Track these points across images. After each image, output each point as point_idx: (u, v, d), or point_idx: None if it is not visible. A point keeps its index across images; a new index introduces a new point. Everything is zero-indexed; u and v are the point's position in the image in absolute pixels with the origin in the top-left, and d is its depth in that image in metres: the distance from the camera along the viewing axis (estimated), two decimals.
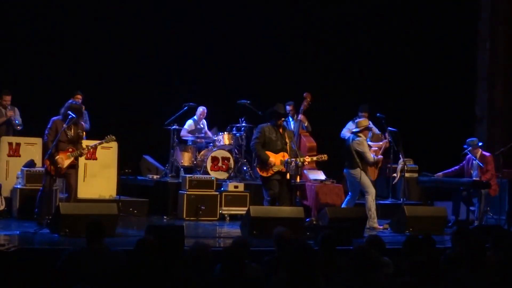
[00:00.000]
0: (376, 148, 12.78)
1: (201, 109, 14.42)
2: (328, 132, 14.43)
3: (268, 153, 11.33)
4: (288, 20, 16.17)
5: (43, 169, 10.96)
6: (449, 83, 16.66)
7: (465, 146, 13.06)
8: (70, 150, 10.58)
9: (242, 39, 15.67)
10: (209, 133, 14.46)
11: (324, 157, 11.98)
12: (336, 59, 16.40)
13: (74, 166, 10.70)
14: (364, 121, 12.40)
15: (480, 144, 13.14)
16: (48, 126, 10.66)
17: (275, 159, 11.34)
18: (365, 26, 16.55)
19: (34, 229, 10.06)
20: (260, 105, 13.67)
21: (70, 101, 10.94)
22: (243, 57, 15.70)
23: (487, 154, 13.15)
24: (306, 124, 13.81)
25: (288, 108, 13.77)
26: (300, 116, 13.66)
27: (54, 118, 10.72)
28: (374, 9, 16.56)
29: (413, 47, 16.62)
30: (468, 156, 13.03)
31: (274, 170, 11.31)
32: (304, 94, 13.69)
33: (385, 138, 13.18)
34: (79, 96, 12.78)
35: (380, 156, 12.62)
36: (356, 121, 12.58)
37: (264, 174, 11.37)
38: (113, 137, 11.16)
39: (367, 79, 16.50)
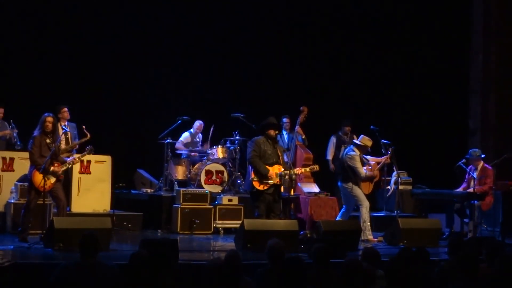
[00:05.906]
0: (373, 162, 12.64)
1: (198, 123, 14.42)
2: (322, 145, 14.45)
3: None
4: (283, 33, 16.22)
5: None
6: (443, 96, 16.72)
7: (468, 156, 13.07)
8: (56, 165, 10.54)
9: (236, 52, 15.71)
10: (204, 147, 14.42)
11: (316, 167, 11.98)
12: (330, 73, 16.44)
13: (59, 180, 10.64)
14: (369, 141, 12.27)
15: (482, 156, 13.15)
16: (31, 142, 10.54)
17: (272, 171, 11.28)
18: (359, 39, 16.59)
19: (28, 243, 10.04)
20: (254, 119, 13.66)
21: (46, 114, 10.71)
22: (237, 70, 15.73)
23: (489, 167, 13.08)
24: (303, 137, 13.73)
25: (285, 120, 13.78)
26: (297, 128, 13.61)
27: (36, 133, 10.60)
28: (368, 23, 16.62)
29: (406, 60, 16.68)
30: (469, 167, 13.06)
31: (270, 183, 11.20)
32: (301, 108, 13.64)
33: (386, 153, 12.95)
34: (65, 109, 12.52)
35: (373, 172, 12.40)
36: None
37: (260, 188, 11.16)
38: (92, 148, 11.07)
39: (360, 92, 16.54)
